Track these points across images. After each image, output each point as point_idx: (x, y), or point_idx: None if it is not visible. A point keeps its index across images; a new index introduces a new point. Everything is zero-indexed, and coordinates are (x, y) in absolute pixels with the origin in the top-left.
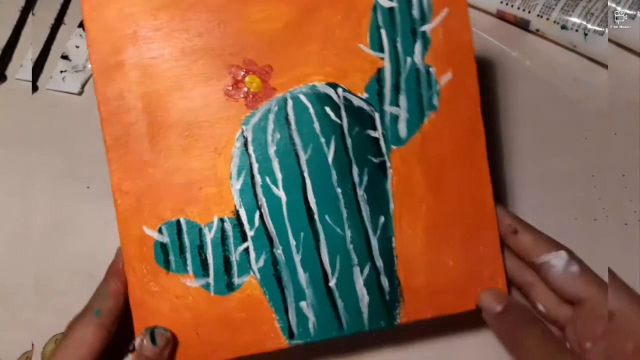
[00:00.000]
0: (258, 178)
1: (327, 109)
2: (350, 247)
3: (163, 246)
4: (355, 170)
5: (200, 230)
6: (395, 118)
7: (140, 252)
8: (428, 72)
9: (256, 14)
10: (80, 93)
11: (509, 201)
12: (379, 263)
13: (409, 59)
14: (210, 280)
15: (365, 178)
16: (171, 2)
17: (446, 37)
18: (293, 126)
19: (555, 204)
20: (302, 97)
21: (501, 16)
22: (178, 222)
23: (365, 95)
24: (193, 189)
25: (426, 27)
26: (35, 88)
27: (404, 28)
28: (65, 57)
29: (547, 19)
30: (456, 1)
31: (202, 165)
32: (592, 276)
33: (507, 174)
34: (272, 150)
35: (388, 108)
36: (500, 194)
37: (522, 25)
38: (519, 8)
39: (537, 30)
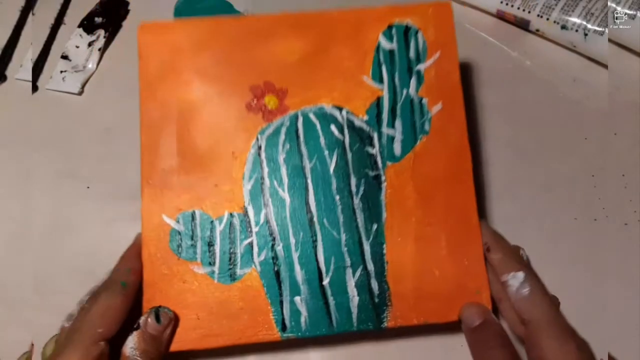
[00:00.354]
0: (267, 181)
1: (332, 127)
2: (345, 249)
3: (178, 234)
4: (353, 180)
5: (212, 222)
6: (391, 138)
7: (157, 238)
8: (421, 103)
9: (278, 46)
10: (80, 93)
11: (509, 201)
12: (370, 267)
13: (405, 91)
14: (216, 268)
15: (362, 188)
16: (210, 37)
17: (438, 75)
18: (301, 139)
19: (555, 204)
20: (311, 116)
21: (501, 16)
22: (193, 213)
23: (365, 118)
24: (210, 185)
25: (421, 66)
26: (35, 88)
27: (401, 66)
28: (65, 57)
29: (547, 19)
30: (447, 46)
31: (221, 166)
32: (539, 299)
33: (507, 174)
34: (281, 158)
35: (385, 130)
36: (499, 194)
37: (522, 25)
38: (519, 8)
39: (537, 30)
